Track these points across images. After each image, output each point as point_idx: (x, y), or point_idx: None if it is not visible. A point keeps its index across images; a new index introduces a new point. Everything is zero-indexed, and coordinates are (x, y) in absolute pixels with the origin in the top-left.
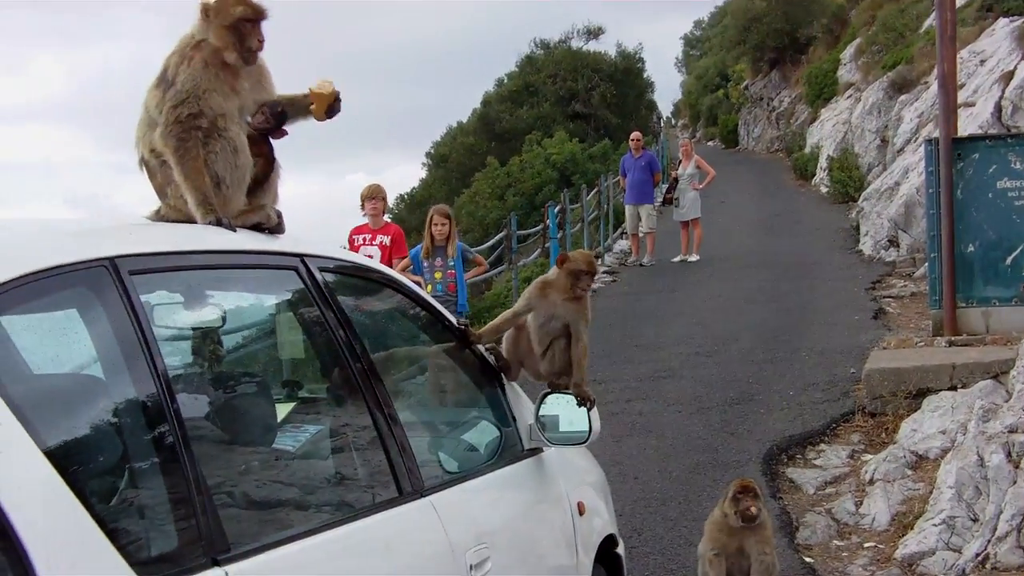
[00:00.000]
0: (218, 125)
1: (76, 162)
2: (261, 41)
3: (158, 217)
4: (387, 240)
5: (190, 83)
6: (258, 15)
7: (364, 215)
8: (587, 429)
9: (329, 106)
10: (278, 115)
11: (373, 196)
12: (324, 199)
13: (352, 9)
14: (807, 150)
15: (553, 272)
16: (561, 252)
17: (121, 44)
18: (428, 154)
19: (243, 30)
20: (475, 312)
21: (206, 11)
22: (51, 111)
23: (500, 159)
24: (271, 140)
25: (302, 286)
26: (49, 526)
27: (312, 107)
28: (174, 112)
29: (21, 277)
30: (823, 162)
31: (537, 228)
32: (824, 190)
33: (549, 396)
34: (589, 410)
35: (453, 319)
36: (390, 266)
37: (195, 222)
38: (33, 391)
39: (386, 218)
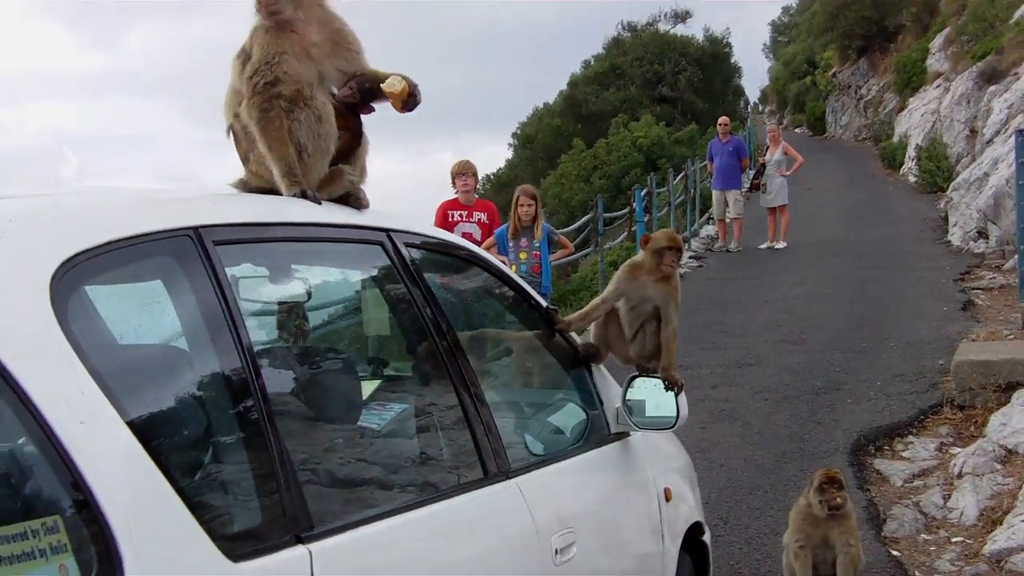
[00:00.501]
0: (304, 94)
1: (165, 136)
2: None
3: (242, 184)
4: (484, 217)
5: (260, 52)
6: None
7: (456, 192)
8: (675, 414)
9: (404, 101)
10: (365, 91)
11: (464, 172)
12: (410, 178)
13: None
14: (895, 139)
15: (640, 254)
16: (644, 233)
17: (212, 20)
18: (514, 135)
19: None
20: (560, 295)
21: None
22: (141, 85)
23: (586, 141)
24: (359, 114)
25: (388, 262)
26: (131, 498)
27: (391, 100)
28: (251, 83)
29: (105, 244)
30: (911, 151)
31: (623, 211)
32: (912, 179)
33: (636, 380)
34: (677, 395)
35: (541, 300)
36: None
37: (278, 190)
38: (116, 362)
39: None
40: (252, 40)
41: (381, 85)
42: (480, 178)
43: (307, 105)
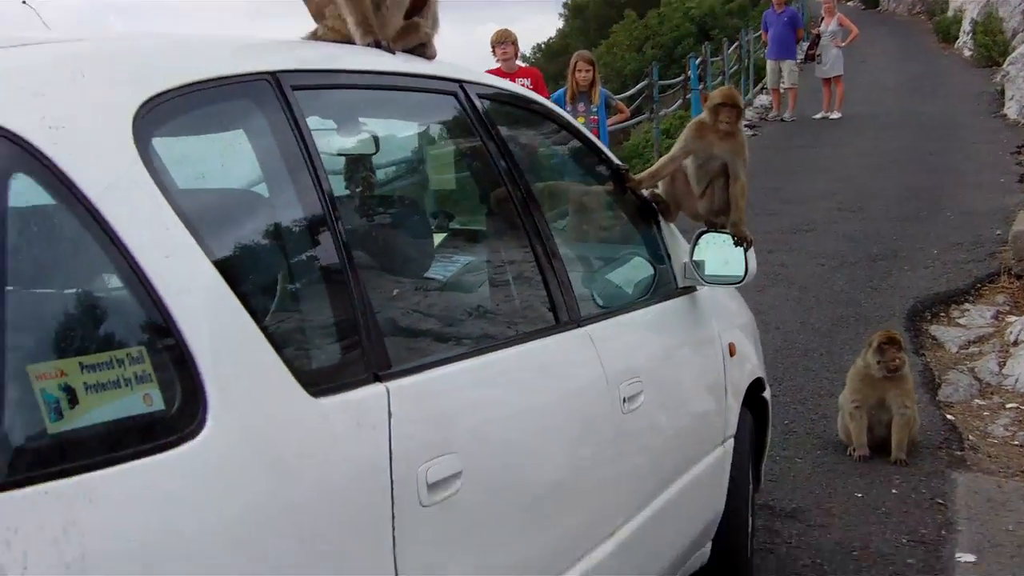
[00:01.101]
0: None
1: (210, 6)
2: None
3: (314, 39)
4: (528, 83)
5: None
6: None
7: (497, 61)
8: (743, 270)
9: None
10: None
11: (503, 40)
12: (455, 51)
13: None
14: (949, 14)
15: (703, 112)
16: (704, 92)
17: None
18: (565, 4)
19: None
20: None
21: None
22: None
23: (638, 12)
24: None
25: (461, 112)
26: (215, 332)
27: None
28: None
29: (185, 86)
30: (966, 26)
31: (678, 79)
32: (967, 54)
33: (704, 236)
34: (747, 250)
35: (613, 157)
36: None
37: (352, 43)
38: (199, 202)
39: (519, 63)
40: None
41: None
42: (530, 48)
43: None
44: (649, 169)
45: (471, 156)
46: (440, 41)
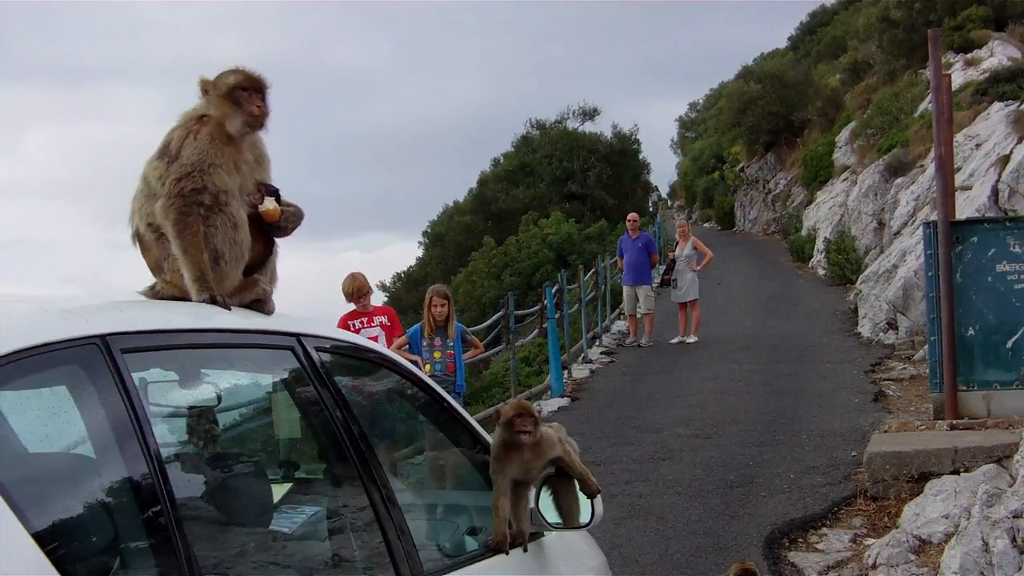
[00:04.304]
0: (220, 200)
1: (70, 239)
2: (260, 107)
3: (153, 294)
4: (385, 319)
5: (196, 156)
6: (253, 83)
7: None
8: (589, 515)
9: (270, 224)
10: (272, 192)
11: (361, 294)
12: (318, 277)
13: (353, 92)
14: (803, 232)
15: (500, 431)
16: (496, 409)
17: (113, 121)
18: (425, 233)
19: (240, 98)
20: (472, 392)
21: (205, 88)
22: (44, 188)
23: (496, 239)
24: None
25: (298, 365)
26: None
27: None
28: (177, 185)
29: (11, 354)
30: (820, 244)
31: (535, 308)
32: (821, 272)
33: (550, 480)
34: (592, 497)
35: (451, 399)
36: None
37: (190, 298)
38: (22, 471)
39: (375, 301)
40: (183, 144)
41: (259, 206)
42: (390, 276)
43: (223, 212)
44: (496, 520)
45: (309, 408)
46: (302, 269)
